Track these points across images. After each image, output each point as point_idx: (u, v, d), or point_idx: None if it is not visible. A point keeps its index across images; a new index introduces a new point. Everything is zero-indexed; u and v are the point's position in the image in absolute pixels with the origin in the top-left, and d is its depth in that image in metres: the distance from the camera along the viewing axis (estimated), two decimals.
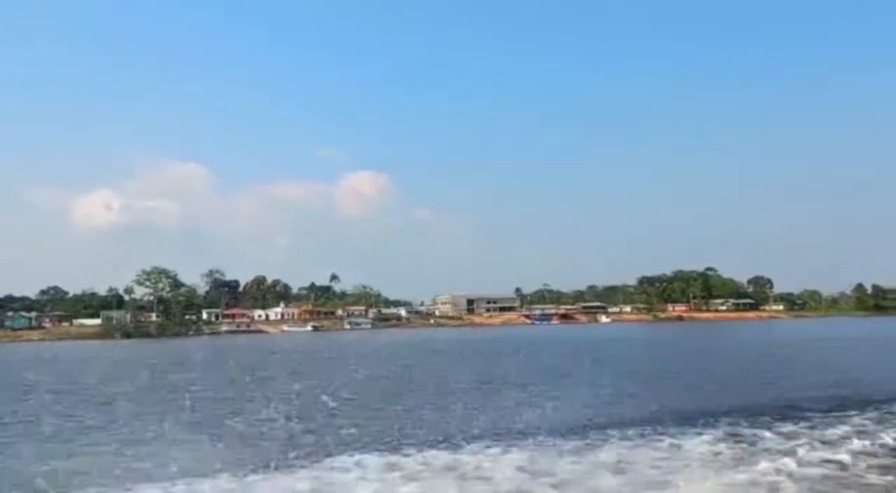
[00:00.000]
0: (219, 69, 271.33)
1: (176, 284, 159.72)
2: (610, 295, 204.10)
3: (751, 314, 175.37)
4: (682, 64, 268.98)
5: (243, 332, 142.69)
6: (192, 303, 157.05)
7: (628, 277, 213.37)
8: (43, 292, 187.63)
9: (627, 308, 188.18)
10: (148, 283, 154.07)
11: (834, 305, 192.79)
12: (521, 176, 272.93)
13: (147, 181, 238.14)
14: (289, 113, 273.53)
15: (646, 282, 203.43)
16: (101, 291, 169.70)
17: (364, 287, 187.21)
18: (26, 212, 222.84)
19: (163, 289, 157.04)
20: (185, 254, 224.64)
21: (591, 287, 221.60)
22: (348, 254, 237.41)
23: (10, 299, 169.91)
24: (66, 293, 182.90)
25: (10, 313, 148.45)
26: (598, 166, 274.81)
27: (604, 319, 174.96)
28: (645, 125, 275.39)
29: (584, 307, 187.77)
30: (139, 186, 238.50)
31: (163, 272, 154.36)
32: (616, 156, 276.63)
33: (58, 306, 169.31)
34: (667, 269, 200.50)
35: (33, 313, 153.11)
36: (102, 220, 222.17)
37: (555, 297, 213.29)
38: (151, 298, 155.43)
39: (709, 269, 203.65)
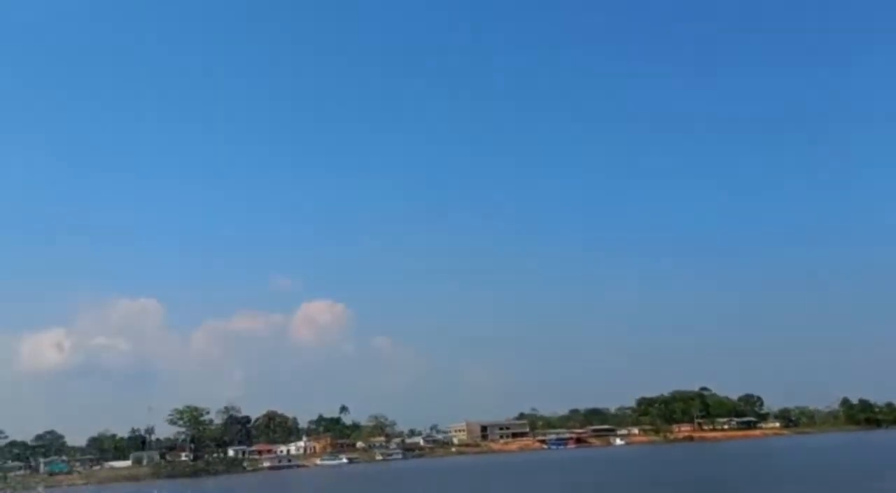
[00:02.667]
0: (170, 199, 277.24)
1: (197, 421, 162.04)
2: (596, 418, 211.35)
3: (756, 432, 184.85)
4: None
5: (285, 467, 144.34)
6: (223, 440, 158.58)
7: (609, 399, 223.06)
8: (39, 437, 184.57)
9: (635, 430, 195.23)
10: (181, 421, 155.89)
11: (827, 421, 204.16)
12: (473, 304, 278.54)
13: (98, 318, 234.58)
14: (244, 243, 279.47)
15: (644, 403, 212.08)
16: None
17: (377, 418, 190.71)
18: None
19: (192, 427, 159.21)
20: (135, 391, 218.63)
21: (575, 411, 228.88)
22: (313, 384, 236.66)
23: (12, 445, 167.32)
24: (62, 437, 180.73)
25: (46, 459, 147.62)
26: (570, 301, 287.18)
27: (618, 441, 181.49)
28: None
29: (594, 430, 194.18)
30: (89, 324, 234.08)
31: (194, 410, 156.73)
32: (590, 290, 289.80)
33: (68, 450, 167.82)
34: (644, 391, 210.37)
35: (63, 457, 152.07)
36: (52, 361, 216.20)
37: (545, 422, 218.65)
38: (184, 436, 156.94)
39: (703, 388, 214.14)
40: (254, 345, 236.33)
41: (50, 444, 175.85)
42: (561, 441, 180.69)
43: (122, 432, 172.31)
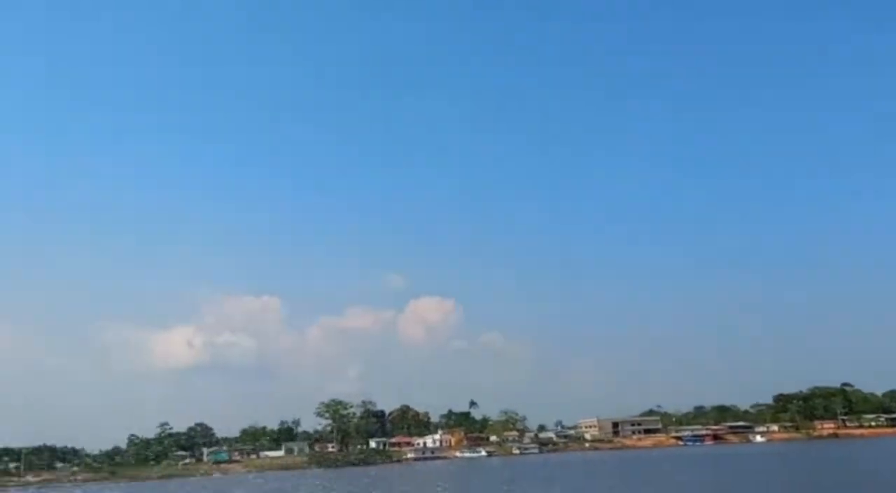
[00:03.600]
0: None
1: (340, 415, 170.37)
2: (728, 415, 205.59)
3: None
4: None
5: (428, 458, 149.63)
6: (366, 432, 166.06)
7: (734, 396, 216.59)
8: (191, 429, 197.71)
9: (774, 427, 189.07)
10: (326, 414, 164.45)
11: None
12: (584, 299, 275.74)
13: (223, 316, 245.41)
14: (356, 241, 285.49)
15: (782, 400, 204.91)
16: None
17: (507, 413, 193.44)
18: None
19: (335, 419, 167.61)
20: (260, 386, 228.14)
21: (700, 408, 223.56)
22: (424, 380, 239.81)
23: (168, 436, 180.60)
24: (211, 429, 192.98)
25: (210, 449, 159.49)
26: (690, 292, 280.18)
27: (758, 438, 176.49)
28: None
29: (731, 427, 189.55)
30: (216, 322, 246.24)
31: (340, 404, 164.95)
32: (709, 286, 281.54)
33: (219, 441, 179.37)
34: (770, 387, 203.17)
35: (224, 447, 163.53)
36: (183, 356, 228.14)
37: (669, 419, 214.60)
38: (329, 428, 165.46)
39: (845, 384, 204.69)
40: (366, 341, 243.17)
41: (201, 435, 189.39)
42: (697, 438, 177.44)
43: (240, 422, 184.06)
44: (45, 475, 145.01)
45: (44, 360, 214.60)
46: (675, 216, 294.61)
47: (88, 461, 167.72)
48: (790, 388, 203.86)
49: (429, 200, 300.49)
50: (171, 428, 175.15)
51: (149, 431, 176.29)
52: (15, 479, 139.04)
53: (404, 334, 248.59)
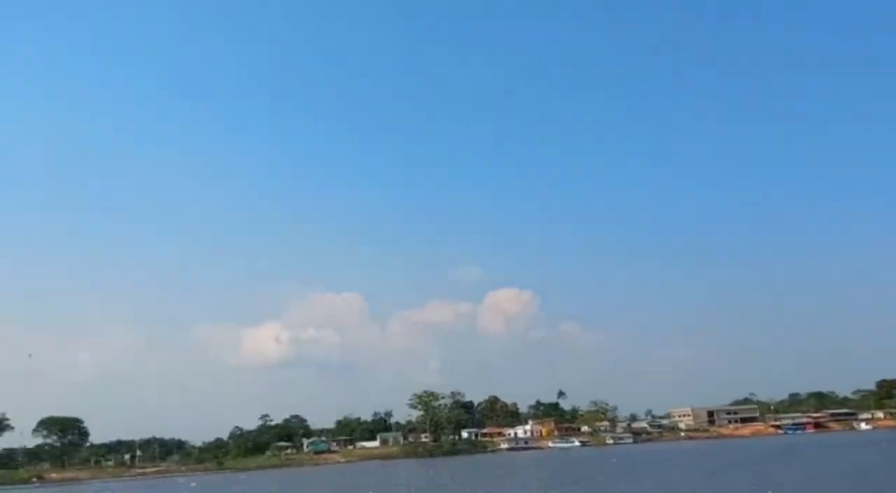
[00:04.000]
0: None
1: (431, 406, 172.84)
2: (827, 402, 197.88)
3: None
4: None
5: (522, 449, 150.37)
6: (458, 423, 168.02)
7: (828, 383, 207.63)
8: (286, 421, 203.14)
9: (879, 414, 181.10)
10: (419, 405, 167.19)
11: None
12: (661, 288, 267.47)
13: (307, 312, 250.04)
14: (434, 236, 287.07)
15: (886, 386, 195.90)
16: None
17: (597, 403, 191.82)
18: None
19: (427, 410, 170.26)
20: (344, 379, 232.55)
21: (795, 395, 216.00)
22: (504, 371, 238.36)
23: (268, 428, 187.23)
24: (305, 420, 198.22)
25: (309, 439, 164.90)
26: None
27: (863, 426, 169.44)
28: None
29: (832, 415, 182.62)
30: (301, 318, 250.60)
31: (432, 395, 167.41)
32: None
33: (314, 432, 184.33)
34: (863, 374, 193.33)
35: (323, 437, 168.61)
36: (271, 352, 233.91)
37: (765, 407, 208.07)
38: (421, 418, 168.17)
39: None
40: (445, 334, 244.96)
41: (296, 426, 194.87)
42: (798, 426, 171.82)
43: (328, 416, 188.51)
44: (159, 467, 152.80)
45: (146, 359, 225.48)
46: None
47: (195, 452, 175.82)
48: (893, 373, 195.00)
49: (501, 191, 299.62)
50: (271, 420, 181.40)
51: (242, 423, 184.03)
52: (132, 470, 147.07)
53: (483, 326, 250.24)
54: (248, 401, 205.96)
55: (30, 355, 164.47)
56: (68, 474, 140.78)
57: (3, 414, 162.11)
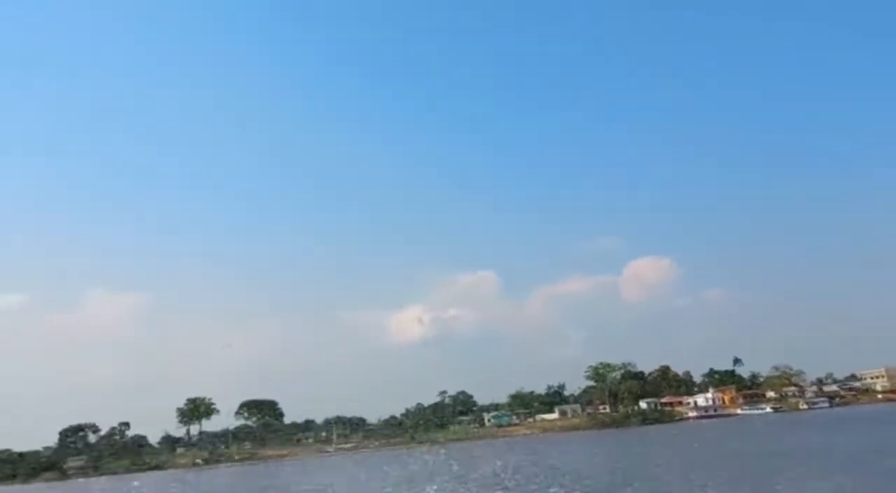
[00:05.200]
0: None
1: (602, 377, 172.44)
2: None
3: None
4: None
5: (712, 416, 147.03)
6: (640, 393, 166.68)
7: None
8: (453, 397, 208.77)
9: None
10: (595, 377, 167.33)
11: None
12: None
13: (447, 293, 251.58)
14: (569, 208, 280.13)
15: None
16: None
17: (779, 368, 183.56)
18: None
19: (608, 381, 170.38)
20: (489, 355, 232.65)
21: None
22: (648, 340, 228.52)
23: (443, 403, 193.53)
24: (471, 396, 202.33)
25: (490, 414, 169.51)
26: None
27: None
28: None
29: None
30: (441, 299, 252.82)
31: (608, 366, 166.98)
32: None
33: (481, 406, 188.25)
34: None
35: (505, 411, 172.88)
36: (414, 333, 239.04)
37: None
38: (597, 390, 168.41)
39: None
40: (585, 307, 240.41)
41: (461, 402, 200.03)
42: None
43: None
44: (352, 442, 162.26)
45: (308, 344, 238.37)
46: None
47: (377, 428, 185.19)
48: None
49: (633, 157, 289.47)
50: (448, 394, 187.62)
51: (402, 401, 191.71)
52: (332, 446, 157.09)
53: (624, 297, 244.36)
54: (400, 380, 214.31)
55: (229, 345, 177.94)
56: (280, 451, 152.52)
57: (210, 399, 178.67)
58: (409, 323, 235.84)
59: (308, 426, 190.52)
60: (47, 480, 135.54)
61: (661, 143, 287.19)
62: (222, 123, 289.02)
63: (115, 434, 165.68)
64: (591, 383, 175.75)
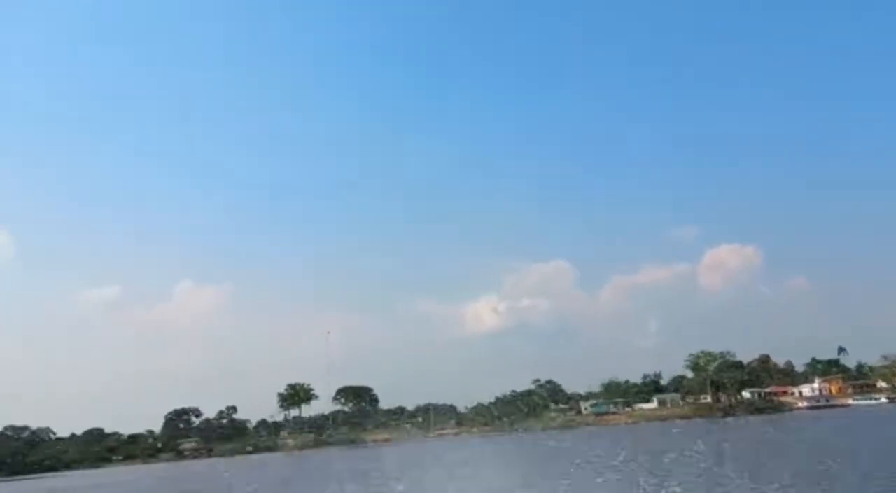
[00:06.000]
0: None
1: (700, 367, 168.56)
2: None
3: None
4: None
5: (824, 407, 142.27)
6: (743, 382, 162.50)
7: None
8: (540, 386, 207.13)
9: None
10: (698, 365, 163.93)
11: None
12: None
13: (519, 283, 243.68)
14: (644, 196, 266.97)
15: None
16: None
17: (887, 357, 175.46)
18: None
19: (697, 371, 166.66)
20: (559, 345, 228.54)
21: None
22: (730, 330, 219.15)
23: (531, 392, 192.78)
24: (559, 384, 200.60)
25: (587, 402, 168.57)
26: None
27: None
28: None
29: None
30: (514, 289, 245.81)
31: (710, 354, 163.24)
32: None
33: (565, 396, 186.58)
34: None
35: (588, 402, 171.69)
36: (489, 323, 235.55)
37: None
38: (694, 379, 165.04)
39: None
40: (662, 296, 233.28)
41: (549, 390, 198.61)
42: None
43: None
44: (450, 429, 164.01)
45: (386, 333, 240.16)
46: None
47: (469, 415, 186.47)
48: None
49: (719, 140, 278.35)
50: (540, 382, 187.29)
51: (486, 389, 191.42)
52: (433, 431, 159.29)
53: (703, 285, 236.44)
54: (480, 369, 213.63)
55: (328, 333, 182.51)
56: (381, 435, 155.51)
57: (310, 385, 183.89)
58: (484, 314, 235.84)
59: (401, 412, 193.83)
60: (165, 461, 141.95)
61: (742, 122, 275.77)
62: (289, 121, 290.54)
63: (223, 418, 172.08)
64: (686, 373, 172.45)
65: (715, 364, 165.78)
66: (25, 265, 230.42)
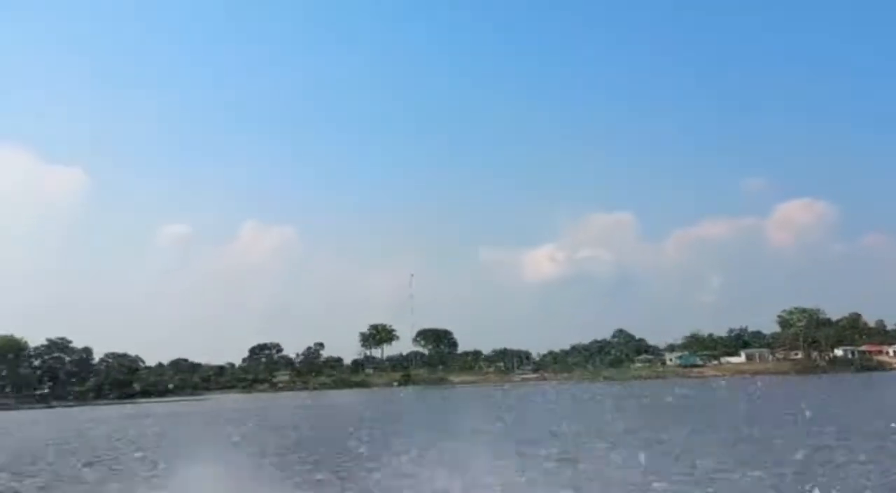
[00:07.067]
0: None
1: (788, 324, 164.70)
2: None
3: None
4: None
5: None
6: (837, 340, 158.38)
7: None
8: (615, 335, 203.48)
9: None
10: (791, 320, 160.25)
11: None
12: None
13: (580, 233, 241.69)
14: (708, 147, 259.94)
15: None
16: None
17: None
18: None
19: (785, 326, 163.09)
20: (618, 297, 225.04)
21: None
22: (799, 288, 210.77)
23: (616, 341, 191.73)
24: (633, 335, 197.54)
25: (672, 353, 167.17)
26: None
27: None
28: None
29: None
30: (574, 239, 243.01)
31: (804, 311, 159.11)
32: None
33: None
34: None
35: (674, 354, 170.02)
36: (549, 272, 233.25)
37: None
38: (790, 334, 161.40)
39: None
40: (725, 251, 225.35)
41: (623, 341, 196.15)
42: None
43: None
44: (534, 374, 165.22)
45: (449, 278, 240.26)
46: None
47: (546, 362, 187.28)
48: None
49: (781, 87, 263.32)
50: (627, 331, 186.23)
51: (554, 337, 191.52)
52: (513, 377, 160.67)
53: (770, 242, 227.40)
54: (539, 317, 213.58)
55: (412, 276, 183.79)
56: (466, 377, 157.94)
57: (391, 326, 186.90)
58: (544, 262, 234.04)
59: (476, 355, 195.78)
60: (261, 391, 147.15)
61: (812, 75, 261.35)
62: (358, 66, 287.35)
63: (311, 353, 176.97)
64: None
65: (803, 320, 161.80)
66: (101, 202, 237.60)
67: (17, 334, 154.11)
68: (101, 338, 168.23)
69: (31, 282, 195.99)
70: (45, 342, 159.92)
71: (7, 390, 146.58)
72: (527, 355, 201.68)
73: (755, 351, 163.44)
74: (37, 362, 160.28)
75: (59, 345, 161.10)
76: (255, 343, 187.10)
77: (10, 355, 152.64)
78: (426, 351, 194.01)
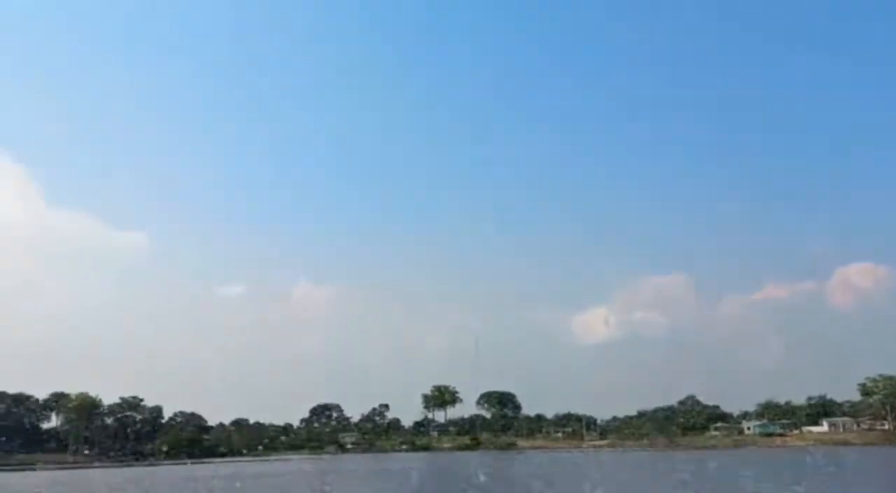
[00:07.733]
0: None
1: (869, 391, 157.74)
2: None
3: None
4: None
5: None
6: None
7: None
8: (681, 402, 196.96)
9: None
10: (874, 388, 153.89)
11: None
12: None
13: (633, 295, 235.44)
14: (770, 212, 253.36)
15: None
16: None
17: None
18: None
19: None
20: (680, 360, 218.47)
21: None
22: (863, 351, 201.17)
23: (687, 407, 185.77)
24: (698, 399, 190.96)
25: (751, 422, 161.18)
26: None
27: None
28: None
29: None
30: (626, 301, 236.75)
31: (890, 379, 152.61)
32: None
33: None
34: None
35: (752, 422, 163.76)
36: (601, 334, 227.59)
37: None
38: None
39: None
40: (785, 314, 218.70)
41: (689, 406, 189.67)
42: None
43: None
44: (604, 440, 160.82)
45: (497, 339, 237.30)
46: None
47: (613, 427, 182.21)
48: None
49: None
50: (696, 397, 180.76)
51: (614, 402, 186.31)
52: (585, 442, 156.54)
53: (831, 305, 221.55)
54: (589, 381, 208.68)
55: (476, 339, 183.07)
56: (535, 442, 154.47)
57: (454, 388, 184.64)
58: (595, 324, 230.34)
59: (540, 420, 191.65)
60: (330, 453, 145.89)
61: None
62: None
63: (375, 415, 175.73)
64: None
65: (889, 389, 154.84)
66: (159, 264, 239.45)
67: (92, 393, 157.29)
68: (166, 396, 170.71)
69: (104, 342, 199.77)
70: (118, 400, 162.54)
71: (83, 447, 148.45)
72: (593, 421, 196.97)
73: (838, 420, 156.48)
74: (109, 420, 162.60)
75: (132, 403, 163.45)
76: (314, 404, 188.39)
77: (85, 413, 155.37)
78: (488, 414, 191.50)
